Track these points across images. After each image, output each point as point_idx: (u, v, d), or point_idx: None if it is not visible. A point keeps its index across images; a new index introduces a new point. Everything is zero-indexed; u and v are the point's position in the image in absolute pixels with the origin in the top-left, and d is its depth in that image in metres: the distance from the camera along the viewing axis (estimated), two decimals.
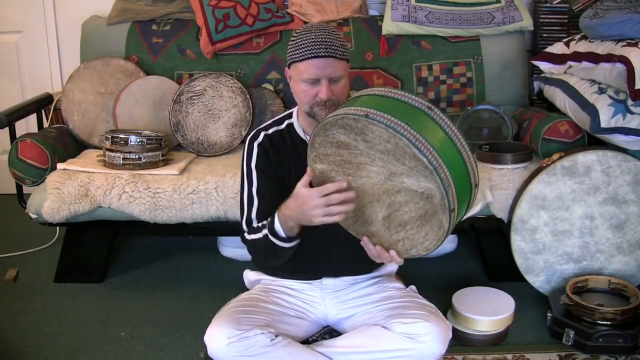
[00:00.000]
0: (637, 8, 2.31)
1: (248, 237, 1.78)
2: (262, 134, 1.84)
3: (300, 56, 1.68)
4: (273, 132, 1.85)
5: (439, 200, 1.44)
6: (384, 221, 1.56)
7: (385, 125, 1.42)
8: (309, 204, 1.56)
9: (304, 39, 1.69)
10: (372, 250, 1.62)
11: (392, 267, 2.00)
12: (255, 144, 1.82)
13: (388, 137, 1.43)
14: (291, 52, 1.72)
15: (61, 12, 3.49)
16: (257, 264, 1.96)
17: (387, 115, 1.44)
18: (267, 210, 1.76)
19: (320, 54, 1.67)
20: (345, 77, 1.73)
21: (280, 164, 1.80)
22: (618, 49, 2.26)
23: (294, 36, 1.74)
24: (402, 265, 2.04)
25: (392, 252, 1.58)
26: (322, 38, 1.68)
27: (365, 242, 1.62)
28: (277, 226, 1.66)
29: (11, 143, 2.60)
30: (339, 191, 1.54)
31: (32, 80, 3.58)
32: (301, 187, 1.60)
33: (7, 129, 2.64)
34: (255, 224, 1.78)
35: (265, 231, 1.70)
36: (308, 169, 1.61)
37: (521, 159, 2.49)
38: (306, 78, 1.69)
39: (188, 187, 2.43)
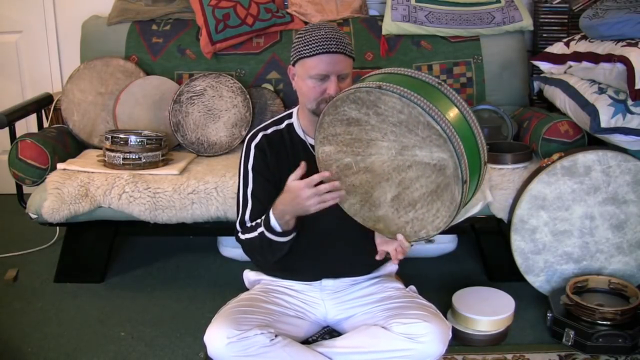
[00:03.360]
0: (637, 8, 2.30)
1: (242, 236, 1.79)
2: (260, 134, 1.84)
3: (310, 51, 1.69)
4: (272, 132, 1.85)
5: (452, 171, 1.44)
6: (393, 202, 1.56)
7: (399, 95, 1.43)
8: (302, 195, 1.59)
9: (314, 35, 1.69)
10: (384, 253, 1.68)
11: (392, 268, 2.00)
12: (253, 145, 1.83)
13: (401, 106, 1.44)
14: (299, 48, 1.72)
15: (61, 12, 3.49)
16: (255, 263, 1.96)
17: (400, 87, 1.45)
18: (261, 213, 1.77)
19: (331, 50, 1.68)
20: (351, 76, 1.74)
21: (278, 164, 1.80)
22: (618, 49, 2.26)
23: (300, 33, 1.74)
24: (402, 265, 2.05)
25: (400, 236, 1.58)
26: (332, 35, 1.69)
27: (381, 254, 1.69)
28: (273, 222, 1.67)
29: (11, 143, 2.60)
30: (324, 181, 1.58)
31: (32, 80, 3.58)
32: (292, 180, 1.62)
33: (7, 129, 2.64)
34: (248, 224, 1.79)
35: (260, 229, 1.71)
36: (302, 163, 1.62)
37: (521, 159, 2.49)
38: (315, 74, 1.69)
39: (188, 187, 2.43)
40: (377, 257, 1.69)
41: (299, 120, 1.85)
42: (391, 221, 1.59)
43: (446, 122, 1.42)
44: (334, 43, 1.68)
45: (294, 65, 1.76)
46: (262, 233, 1.71)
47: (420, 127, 1.44)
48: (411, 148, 1.47)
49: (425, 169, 1.48)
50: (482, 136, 1.53)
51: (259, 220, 1.74)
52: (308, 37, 1.70)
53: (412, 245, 1.63)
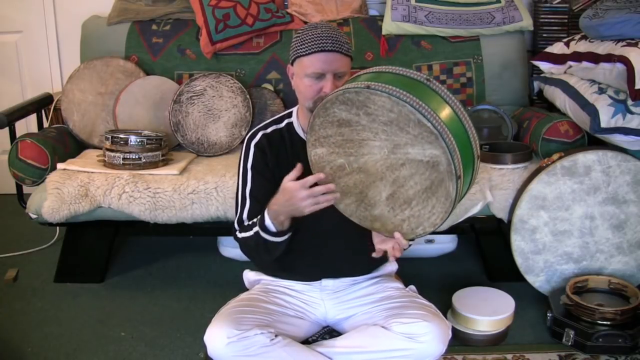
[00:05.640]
0: (637, 8, 2.30)
1: (239, 235, 1.80)
2: (260, 133, 1.84)
3: (307, 50, 1.70)
4: (272, 131, 1.85)
5: (445, 167, 1.44)
6: (388, 201, 1.56)
7: (388, 94, 1.43)
8: (297, 196, 1.59)
9: (310, 34, 1.71)
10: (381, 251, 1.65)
11: (392, 267, 1.99)
12: (252, 144, 1.83)
13: (391, 105, 1.44)
14: (296, 47, 1.73)
15: (61, 12, 3.49)
16: (254, 262, 1.96)
17: (389, 85, 1.45)
18: (258, 212, 1.76)
19: (326, 48, 1.68)
20: (348, 75, 1.74)
21: (277, 164, 1.80)
22: (618, 49, 2.26)
23: (298, 32, 1.75)
24: (402, 265, 2.05)
25: (397, 234, 1.58)
26: (328, 33, 1.70)
27: (378, 252, 1.65)
28: (268, 222, 1.67)
29: (11, 143, 2.60)
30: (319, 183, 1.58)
31: (32, 80, 3.58)
32: (287, 181, 1.62)
33: (7, 129, 2.64)
34: (246, 223, 1.79)
35: (256, 228, 1.71)
36: (298, 165, 1.62)
37: (521, 159, 2.49)
38: (311, 72, 1.70)
39: (188, 187, 2.43)
40: (374, 255, 1.68)
41: (298, 119, 1.86)
42: (387, 220, 1.59)
43: (437, 118, 1.43)
44: (330, 42, 1.69)
45: (292, 64, 1.77)
46: (257, 233, 1.71)
47: (411, 125, 1.44)
48: (403, 146, 1.47)
49: (418, 167, 1.48)
50: (474, 130, 1.53)
51: (255, 220, 1.74)
52: (304, 36, 1.72)
53: (410, 245, 1.63)
